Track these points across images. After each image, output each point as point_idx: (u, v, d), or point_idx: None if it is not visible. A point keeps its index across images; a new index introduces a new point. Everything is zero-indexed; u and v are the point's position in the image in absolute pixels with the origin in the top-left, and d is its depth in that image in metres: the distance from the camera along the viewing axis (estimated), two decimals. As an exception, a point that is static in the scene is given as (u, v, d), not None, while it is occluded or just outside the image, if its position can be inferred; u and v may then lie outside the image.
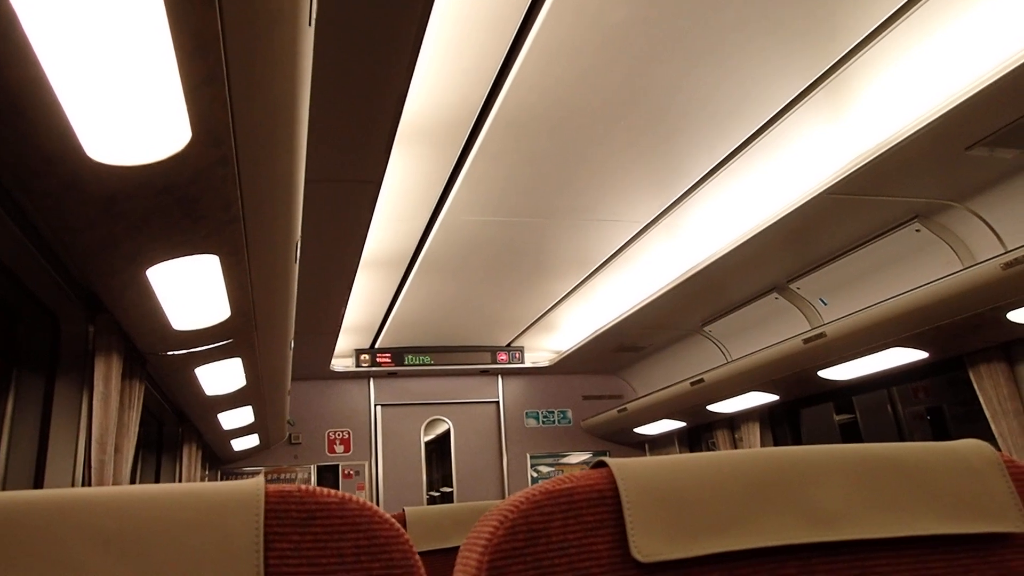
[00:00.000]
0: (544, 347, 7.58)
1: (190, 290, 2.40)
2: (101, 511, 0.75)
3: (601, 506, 0.80)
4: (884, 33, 2.69)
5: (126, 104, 1.39)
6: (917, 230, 4.07)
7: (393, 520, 0.81)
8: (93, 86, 1.31)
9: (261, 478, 0.79)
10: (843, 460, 0.87)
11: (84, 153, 1.46)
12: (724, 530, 0.80)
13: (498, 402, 7.98)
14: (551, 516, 0.79)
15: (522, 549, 0.77)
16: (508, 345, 7.50)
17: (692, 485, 0.82)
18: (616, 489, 0.81)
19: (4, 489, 2.51)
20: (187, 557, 0.74)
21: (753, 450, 0.87)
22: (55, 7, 1.13)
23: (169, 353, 3.03)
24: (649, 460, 0.84)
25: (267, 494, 0.78)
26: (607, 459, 0.84)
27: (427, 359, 7.31)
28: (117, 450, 2.79)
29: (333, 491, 0.80)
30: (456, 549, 2.16)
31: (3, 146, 1.44)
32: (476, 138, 3.26)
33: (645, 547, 0.78)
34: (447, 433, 7.87)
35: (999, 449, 3.43)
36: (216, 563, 0.74)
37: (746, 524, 0.81)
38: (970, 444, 0.92)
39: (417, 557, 0.81)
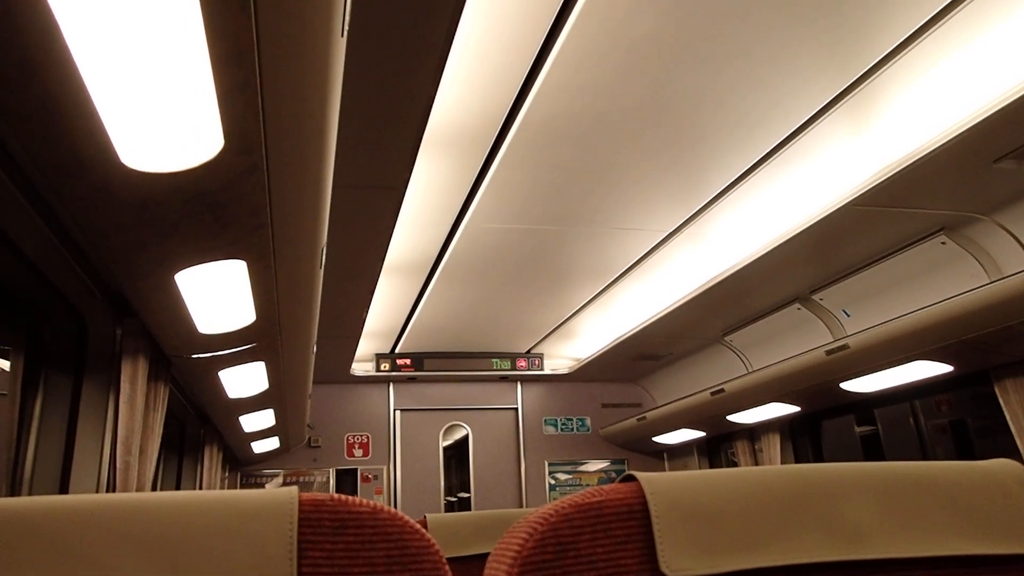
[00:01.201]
0: (564, 354, 7.58)
1: (217, 294, 2.42)
2: (135, 517, 0.76)
3: (630, 520, 0.81)
4: (911, 45, 2.68)
5: (160, 111, 1.41)
6: (943, 243, 4.03)
7: (423, 531, 0.82)
8: (129, 93, 1.33)
9: (295, 488, 0.80)
10: (871, 477, 0.87)
11: (118, 159, 1.48)
12: (752, 547, 0.80)
13: (517, 408, 7.97)
14: (580, 529, 0.79)
15: (551, 562, 0.78)
16: (528, 352, 7.50)
17: (721, 501, 0.82)
18: (645, 503, 0.81)
19: (32, 487, 2.54)
20: (220, 564, 0.74)
21: (781, 466, 0.87)
22: (94, 14, 1.15)
23: (194, 356, 3.06)
24: (677, 475, 0.84)
25: (301, 502, 0.78)
26: (636, 473, 0.84)
27: (447, 364, 7.32)
28: (142, 451, 2.81)
29: (365, 500, 0.81)
30: (476, 557, 2.17)
31: (38, 149, 1.46)
32: (500, 146, 3.27)
33: (674, 562, 0.78)
34: (465, 439, 7.87)
35: (1025, 466, 3.33)
36: (249, 570, 0.74)
37: (774, 541, 0.81)
38: (1000, 463, 0.91)
39: (447, 567, 0.82)
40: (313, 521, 0.78)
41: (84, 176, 1.54)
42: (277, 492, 0.79)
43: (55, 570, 0.72)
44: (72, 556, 0.73)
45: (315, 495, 0.80)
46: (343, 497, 0.81)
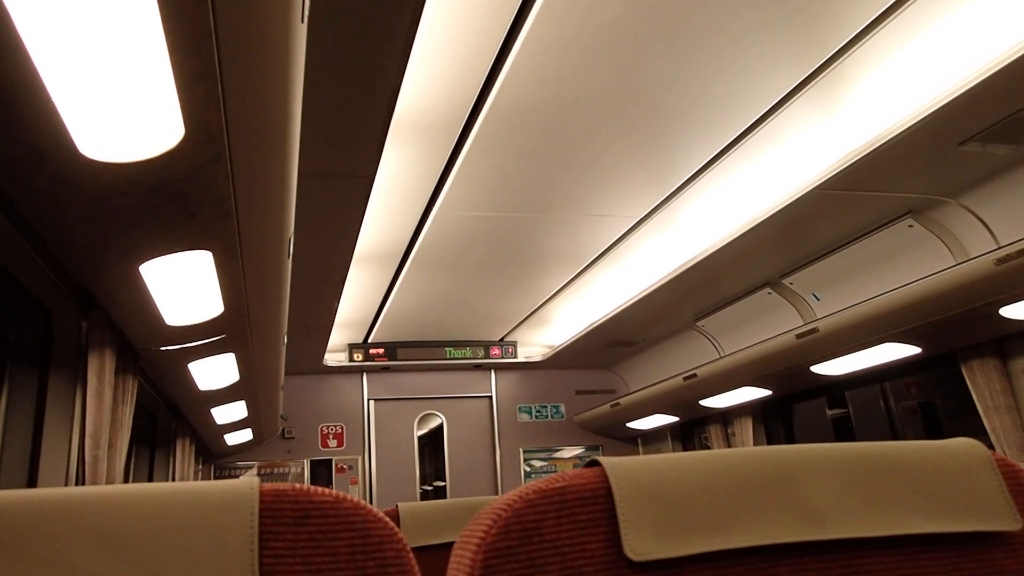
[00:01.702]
0: (537, 342, 7.59)
1: (183, 286, 2.40)
2: (95, 510, 0.75)
3: (594, 505, 0.81)
4: (877, 29, 2.70)
5: (119, 101, 1.39)
6: (910, 225, 4.08)
7: (387, 519, 0.82)
8: (86, 83, 1.31)
9: (255, 478, 0.79)
10: (835, 459, 0.88)
11: (77, 150, 1.46)
12: (716, 529, 0.80)
13: (491, 397, 7.99)
14: (544, 515, 0.79)
15: (515, 548, 0.77)
16: (501, 340, 7.50)
17: (685, 484, 0.82)
18: (609, 488, 0.81)
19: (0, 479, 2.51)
20: (181, 556, 0.74)
21: (745, 449, 0.88)
22: (48, 4, 1.13)
23: (162, 348, 3.03)
24: (642, 459, 0.85)
25: (262, 493, 0.78)
26: (600, 458, 0.84)
27: (421, 353, 7.32)
28: (111, 445, 2.78)
29: (327, 490, 0.80)
30: (450, 544, 2.17)
31: (-5, 141, 1.44)
32: (469, 133, 3.25)
33: (637, 546, 0.78)
34: (440, 428, 7.87)
35: (991, 445, 3.41)
36: (211, 562, 0.74)
37: (738, 523, 0.81)
38: (962, 443, 0.92)
39: (411, 555, 0.81)
40: (274, 511, 0.78)
41: (43, 167, 1.51)
42: (238, 483, 0.79)
43: (15, 564, 0.71)
44: (32, 549, 0.72)
45: (276, 485, 0.79)
46: (305, 487, 0.80)
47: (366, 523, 0.80)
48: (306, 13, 1.49)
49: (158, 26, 1.20)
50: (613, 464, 0.83)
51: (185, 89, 1.36)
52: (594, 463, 0.85)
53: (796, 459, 0.87)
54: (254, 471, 7.33)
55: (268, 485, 0.79)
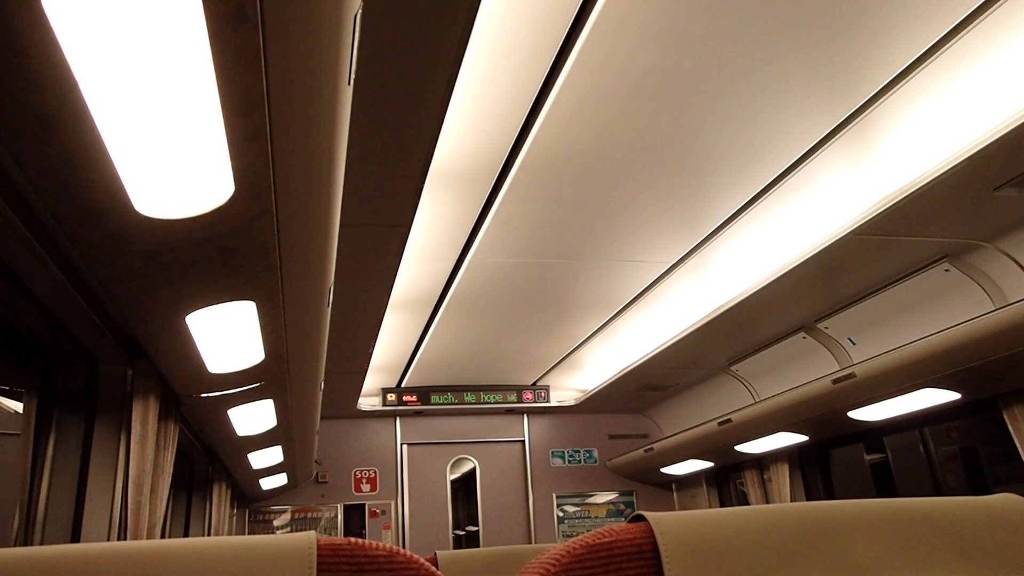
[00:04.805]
0: (570, 386, 7.57)
1: (226, 335, 2.45)
2: (151, 566, 0.77)
3: (640, 560, 0.82)
4: (909, 76, 2.72)
5: (174, 161, 1.44)
6: (947, 270, 4.05)
7: (438, 573, 0.84)
8: (143, 144, 1.37)
9: (313, 533, 0.82)
10: (878, 515, 0.89)
11: (132, 207, 1.52)
12: (761, 584, 0.82)
13: (524, 441, 7.96)
14: (592, 570, 0.81)
15: (564, 602, 0.79)
16: (534, 384, 7.50)
17: (729, 539, 0.84)
18: (655, 543, 0.83)
19: (44, 528, 2.55)
20: (241, 609, 0.76)
21: (789, 505, 0.89)
22: (111, 69, 1.19)
23: (203, 395, 3.08)
24: (687, 514, 0.86)
25: (319, 547, 0.80)
26: (646, 513, 0.86)
27: (454, 398, 7.34)
28: (153, 491, 2.82)
29: (381, 544, 0.83)
30: None
31: (55, 200, 1.50)
32: (504, 182, 3.31)
33: (684, 601, 0.79)
34: (473, 472, 7.85)
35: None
36: (270, 615, 0.76)
37: (783, 579, 0.82)
38: (1004, 499, 0.93)
39: None
40: (331, 565, 0.80)
41: (99, 224, 1.57)
42: (295, 537, 0.81)
43: None
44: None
45: (332, 540, 0.82)
46: (360, 541, 0.82)
47: (419, 577, 0.82)
48: (353, 76, 1.55)
49: (214, 90, 1.25)
50: (658, 519, 0.85)
51: (237, 148, 1.41)
52: (639, 517, 0.86)
53: (839, 515, 0.88)
54: (288, 516, 7.34)
55: (324, 539, 0.82)
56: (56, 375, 2.70)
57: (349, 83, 1.53)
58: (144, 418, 2.69)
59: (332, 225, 2.12)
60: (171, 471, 3.08)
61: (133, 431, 2.68)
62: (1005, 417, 4.06)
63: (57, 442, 2.65)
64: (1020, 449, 3.97)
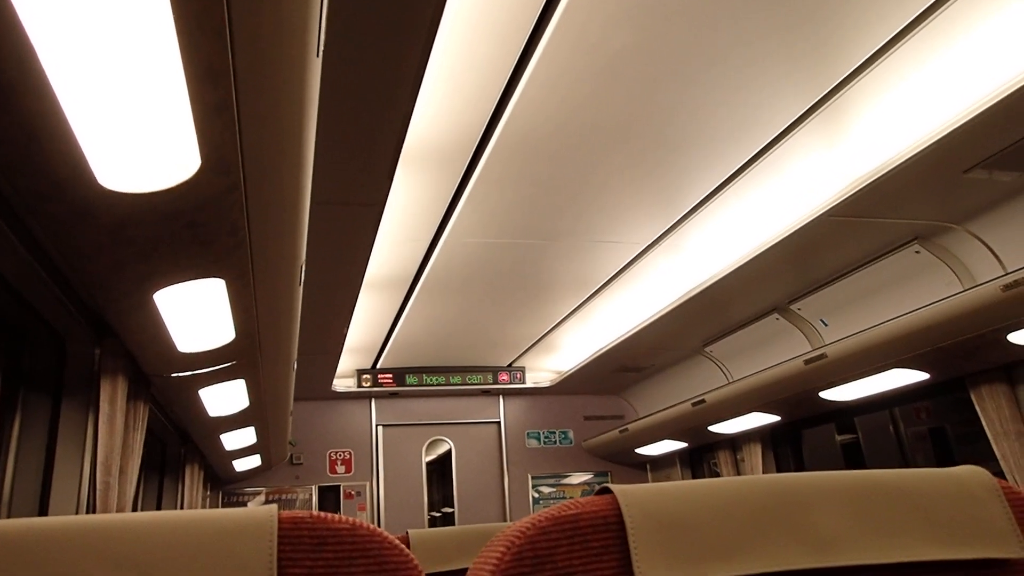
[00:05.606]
0: (545, 367, 7.59)
1: (196, 313, 2.42)
2: (114, 538, 0.76)
3: (606, 532, 0.82)
4: (882, 58, 2.73)
5: (137, 132, 1.42)
6: (917, 251, 4.09)
7: (402, 546, 0.83)
8: (105, 115, 1.34)
9: (273, 505, 0.81)
10: (843, 486, 0.89)
11: (95, 180, 1.49)
12: (726, 556, 0.82)
13: (499, 422, 7.97)
14: (557, 542, 0.81)
15: (528, 575, 0.79)
16: (509, 365, 7.51)
17: (695, 511, 0.84)
18: (620, 515, 0.82)
19: (11, 508, 2.52)
20: (201, 582, 0.75)
21: (754, 477, 0.89)
22: (70, 38, 1.16)
23: (174, 375, 3.05)
24: (652, 486, 0.86)
25: (280, 520, 0.79)
26: (611, 485, 0.85)
27: (429, 379, 7.33)
28: (122, 472, 2.80)
29: (344, 517, 0.82)
30: (460, 572, 2.17)
31: (16, 172, 1.47)
32: (478, 162, 3.29)
33: (649, 572, 0.79)
34: (448, 453, 7.86)
35: (1001, 470, 3.39)
36: (230, 588, 0.75)
37: (748, 550, 0.82)
38: (968, 470, 0.93)
39: None
40: (293, 538, 0.79)
41: (62, 198, 1.54)
42: (257, 510, 0.80)
43: None
44: (52, 577, 0.73)
45: (294, 513, 0.81)
46: (322, 514, 0.81)
47: (382, 550, 0.81)
48: (321, 47, 1.52)
49: (177, 60, 1.23)
50: (624, 492, 0.84)
51: (203, 121, 1.39)
52: (605, 490, 0.86)
53: (805, 487, 0.88)
54: (262, 498, 7.32)
55: (286, 512, 0.81)
56: (22, 354, 2.66)
57: (318, 55, 1.51)
58: (112, 398, 2.66)
59: (303, 202, 2.10)
60: (141, 452, 3.05)
61: (101, 411, 2.64)
62: (972, 397, 4.12)
63: (23, 423, 2.61)
64: (987, 428, 4.03)
